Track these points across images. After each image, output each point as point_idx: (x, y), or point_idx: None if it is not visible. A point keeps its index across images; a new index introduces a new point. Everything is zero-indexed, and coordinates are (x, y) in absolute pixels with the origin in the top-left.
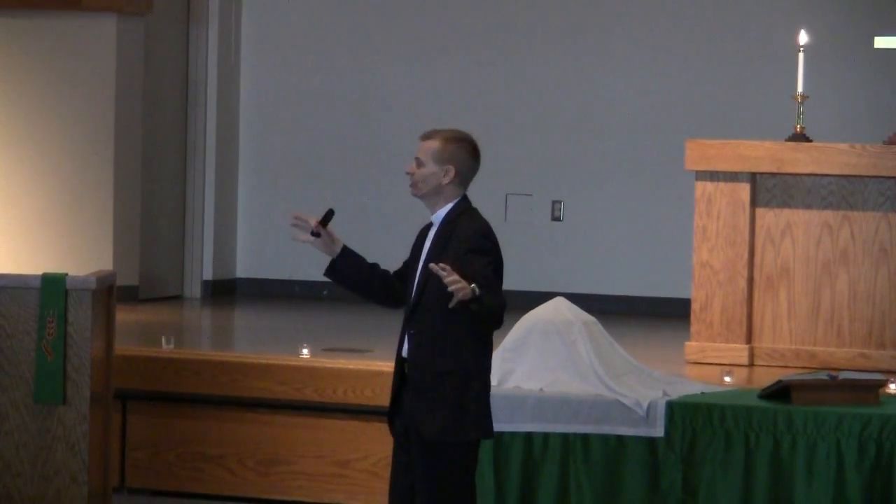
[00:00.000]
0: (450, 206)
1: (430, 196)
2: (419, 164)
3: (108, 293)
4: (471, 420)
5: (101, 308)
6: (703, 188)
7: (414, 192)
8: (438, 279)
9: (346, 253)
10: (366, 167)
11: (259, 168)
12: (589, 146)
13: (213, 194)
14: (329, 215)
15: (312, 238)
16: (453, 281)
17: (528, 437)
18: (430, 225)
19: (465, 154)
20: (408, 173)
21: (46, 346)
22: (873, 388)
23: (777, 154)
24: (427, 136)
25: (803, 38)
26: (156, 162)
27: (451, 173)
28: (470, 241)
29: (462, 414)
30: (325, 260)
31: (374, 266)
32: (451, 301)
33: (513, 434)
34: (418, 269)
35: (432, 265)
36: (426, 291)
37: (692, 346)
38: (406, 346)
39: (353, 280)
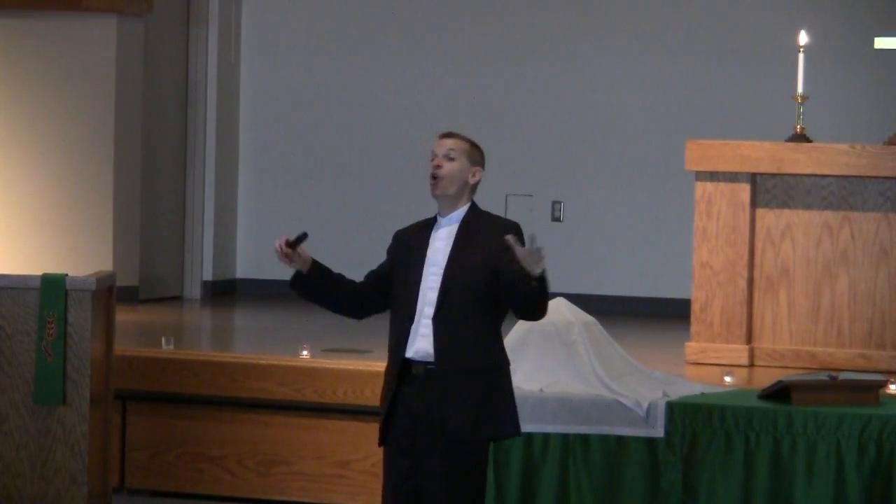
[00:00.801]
0: (466, 207)
1: (453, 196)
2: (450, 159)
3: (107, 294)
4: (506, 416)
5: (101, 309)
6: (703, 189)
7: (439, 191)
8: (464, 275)
9: (314, 267)
10: (366, 167)
11: (259, 168)
12: (589, 147)
13: (213, 194)
14: (301, 238)
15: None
16: (529, 250)
17: (528, 437)
18: (425, 227)
19: (484, 160)
20: (437, 166)
21: (46, 346)
22: (873, 389)
23: (777, 154)
24: (453, 135)
25: (803, 38)
26: (156, 162)
27: (479, 175)
28: (510, 230)
29: (494, 411)
30: (332, 260)
31: (340, 278)
32: (535, 267)
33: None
34: (426, 270)
35: (508, 237)
36: (450, 290)
37: (692, 347)
38: (415, 346)
39: (315, 294)
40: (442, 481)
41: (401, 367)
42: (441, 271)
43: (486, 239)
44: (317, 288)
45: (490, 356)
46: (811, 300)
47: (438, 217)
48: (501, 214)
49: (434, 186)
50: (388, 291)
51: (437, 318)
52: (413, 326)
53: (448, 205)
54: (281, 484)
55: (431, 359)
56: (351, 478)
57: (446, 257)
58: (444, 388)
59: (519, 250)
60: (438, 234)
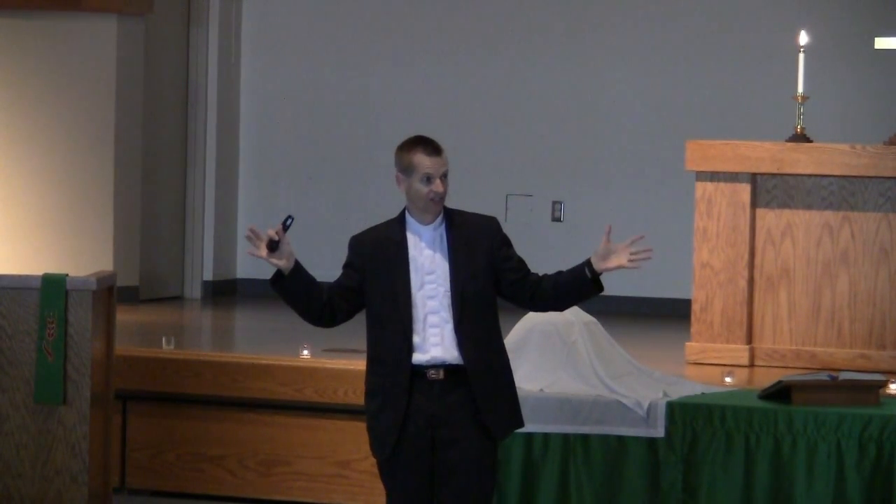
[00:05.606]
0: (441, 212)
1: None
2: (445, 176)
3: (108, 294)
4: (518, 409)
5: (102, 308)
6: (704, 189)
7: (439, 208)
8: (475, 280)
9: (298, 269)
10: (365, 167)
11: (259, 168)
12: (589, 147)
13: (213, 194)
14: (287, 223)
15: (266, 253)
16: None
17: (528, 437)
18: (391, 232)
19: None
20: (442, 192)
21: (47, 346)
22: (873, 389)
23: (777, 155)
24: (440, 150)
25: (803, 38)
26: (156, 162)
27: None
28: (500, 233)
29: (517, 406)
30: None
31: (320, 285)
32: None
33: (513, 434)
34: (418, 277)
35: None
36: (465, 296)
37: (692, 347)
38: (429, 353)
39: (295, 297)
40: (475, 479)
41: (410, 375)
42: (440, 279)
43: (480, 240)
44: (297, 289)
45: (504, 354)
46: (811, 300)
47: (413, 222)
48: (502, 214)
49: (436, 206)
50: (358, 303)
51: (461, 325)
52: (417, 336)
53: (435, 214)
54: (281, 484)
55: (448, 363)
56: (351, 478)
57: (446, 264)
58: (478, 390)
59: (621, 247)
60: (421, 241)
